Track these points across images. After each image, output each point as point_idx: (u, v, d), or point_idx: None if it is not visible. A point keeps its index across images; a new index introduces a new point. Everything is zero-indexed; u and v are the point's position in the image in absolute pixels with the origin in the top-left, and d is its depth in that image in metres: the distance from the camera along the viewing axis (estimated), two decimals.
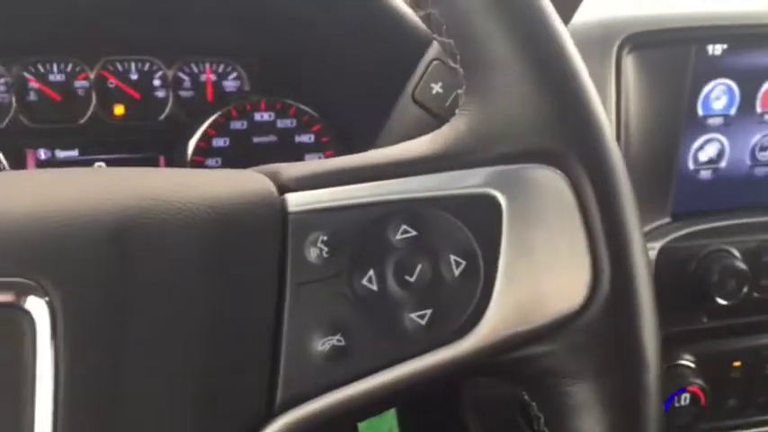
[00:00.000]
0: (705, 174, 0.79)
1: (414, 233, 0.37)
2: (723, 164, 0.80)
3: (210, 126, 0.86)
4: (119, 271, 0.32)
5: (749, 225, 0.79)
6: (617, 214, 0.38)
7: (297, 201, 0.36)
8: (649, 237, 0.77)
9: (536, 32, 0.38)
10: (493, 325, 0.36)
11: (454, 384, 0.79)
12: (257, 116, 0.88)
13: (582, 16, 0.77)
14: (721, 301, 0.76)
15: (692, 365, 0.78)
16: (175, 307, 0.33)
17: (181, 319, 0.33)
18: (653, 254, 0.76)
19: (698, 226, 0.78)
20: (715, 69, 0.77)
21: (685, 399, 0.77)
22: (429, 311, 0.36)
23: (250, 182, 0.37)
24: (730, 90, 0.78)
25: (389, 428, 0.76)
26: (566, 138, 0.38)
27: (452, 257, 0.37)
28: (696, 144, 0.78)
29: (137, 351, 0.32)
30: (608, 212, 0.38)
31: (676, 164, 0.78)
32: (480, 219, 0.37)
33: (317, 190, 0.37)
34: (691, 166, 0.79)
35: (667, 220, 0.78)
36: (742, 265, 0.76)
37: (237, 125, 0.87)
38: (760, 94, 0.78)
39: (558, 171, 0.37)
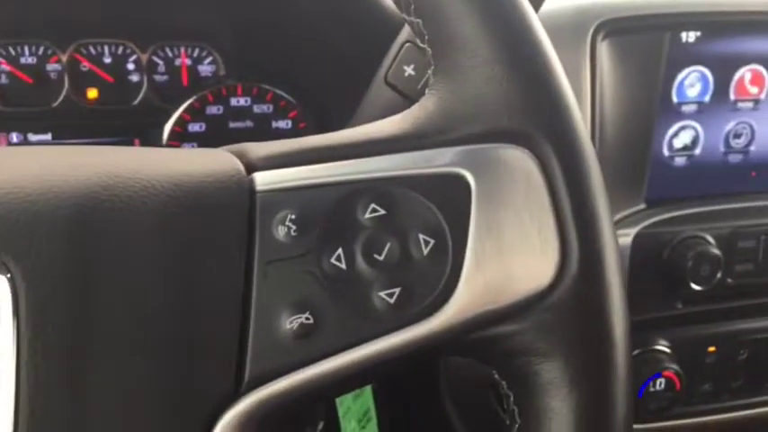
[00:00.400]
0: (679, 160, 0.80)
1: (382, 212, 0.36)
2: (697, 151, 0.80)
3: (186, 111, 0.85)
4: (82, 248, 0.32)
5: (723, 211, 0.79)
6: (585, 195, 0.38)
7: (265, 179, 0.36)
8: (624, 223, 0.77)
9: (504, 13, 0.38)
10: (461, 304, 0.36)
11: (430, 364, 0.79)
12: (233, 101, 0.87)
13: (556, 2, 0.78)
14: (696, 287, 0.76)
15: (668, 350, 0.79)
16: (140, 285, 0.33)
17: (146, 297, 0.33)
18: (628, 240, 0.76)
19: (672, 212, 0.78)
20: (689, 56, 0.77)
21: (660, 383, 0.78)
22: (398, 290, 0.36)
23: (217, 160, 0.37)
24: (704, 77, 0.78)
25: (366, 409, 0.76)
26: (534, 118, 0.38)
27: (421, 236, 0.36)
28: (671, 131, 0.78)
29: (100, 328, 0.32)
30: (576, 193, 0.38)
31: (651, 150, 0.78)
32: (449, 198, 0.37)
33: (285, 169, 0.37)
34: (665, 152, 0.79)
35: (642, 206, 0.79)
36: (716, 252, 0.76)
37: (213, 110, 0.87)
38: (733, 82, 0.79)
39: (527, 151, 0.37)
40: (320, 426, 0.74)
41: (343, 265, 0.36)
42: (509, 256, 0.37)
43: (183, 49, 0.86)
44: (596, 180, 0.39)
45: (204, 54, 0.87)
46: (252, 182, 0.36)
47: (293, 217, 0.35)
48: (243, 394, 0.34)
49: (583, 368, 0.37)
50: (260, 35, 0.86)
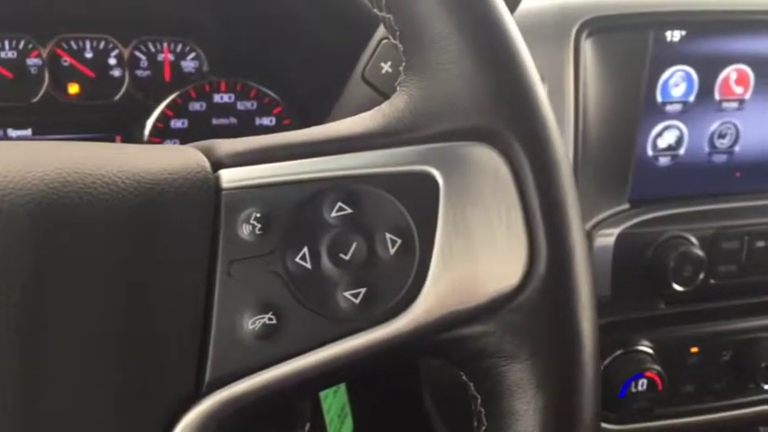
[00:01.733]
0: (664, 161, 0.79)
1: (349, 210, 0.36)
2: (682, 151, 0.80)
3: (168, 107, 0.84)
4: (38, 245, 0.31)
5: (707, 212, 0.79)
6: (555, 194, 0.37)
7: (230, 177, 0.36)
8: (607, 223, 0.77)
9: (474, 9, 0.38)
10: (428, 304, 0.36)
11: (409, 362, 0.79)
12: (217, 98, 0.86)
13: (539, 0, 0.77)
14: (678, 288, 0.76)
15: (650, 351, 0.79)
16: (97, 283, 0.32)
17: (103, 295, 0.32)
18: (611, 240, 0.76)
19: (656, 213, 0.78)
20: (674, 56, 0.76)
21: (642, 384, 0.77)
22: (363, 290, 0.35)
23: (183, 157, 0.36)
24: (689, 77, 0.78)
25: (342, 405, 0.76)
26: (503, 116, 0.37)
27: (388, 235, 0.36)
28: (655, 131, 0.78)
29: (58, 327, 0.31)
30: (545, 192, 0.37)
31: (635, 150, 0.78)
32: (417, 196, 0.36)
33: (252, 166, 0.36)
34: (649, 152, 0.79)
35: (626, 206, 0.78)
36: (699, 252, 0.76)
37: (196, 106, 0.86)
38: (718, 82, 0.79)
39: (496, 149, 0.37)
40: (307, 427, 0.74)
41: (309, 265, 0.35)
42: (477, 256, 0.36)
43: (165, 45, 0.85)
44: (566, 179, 0.38)
45: (187, 49, 0.86)
46: (217, 179, 0.35)
47: (258, 215, 0.35)
48: (203, 395, 0.33)
49: (549, 370, 0.36)
50: (244, 31, 0.85)
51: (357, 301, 0.35)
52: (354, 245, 0.36)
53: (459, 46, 0.37)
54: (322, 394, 0.72)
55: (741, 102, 0.80)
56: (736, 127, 0.81)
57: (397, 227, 0.36)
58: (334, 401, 0.74)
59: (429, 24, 0.38)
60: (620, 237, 0.76)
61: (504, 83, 0.37)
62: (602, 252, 0.76)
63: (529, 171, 0.37)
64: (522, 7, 0.78)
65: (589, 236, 0.76)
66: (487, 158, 0.37)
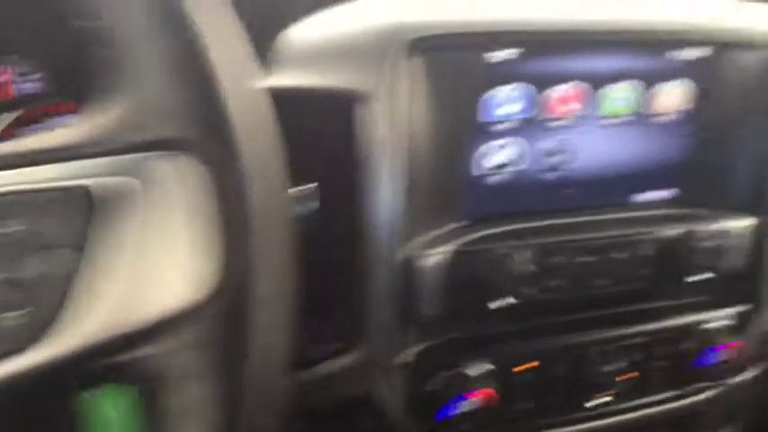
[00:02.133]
0: (496, 179, 0.80)
1: (22, 227, 0.35)
2: (514, 168, 0.81)
3: (6, 129, 0.83)
4: None
5: (538, 228, 0.80)
6: (249, 206, 0.37)
7: None
8: (440, 241, 0.77)
9: (174, 19, 0.38)
10: (95, 325, 0.35)
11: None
12: (59, 120, 0.85)
13: (366, 19, 0.78)
14: (510, 303, 0.77)
15: (484, 368, 0.79)
16: None
17: None
18: (442, 258, 0.76)
19: (487, 230, 0.78)
20: (502, 75, 0.77)
21: (475, 402, 0.77)
22: (23, 311, 0.35)
23: None
24: (522, 95, 0.79)
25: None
26: (198, 127, 0.37)
27: (62, 251, 0.35)
28: (484, 149, 0.79)
29: None
30: (240, 204, 0.37)
31: (466, 169, 0.79)
32: (105, 210, 0.36)
33: None
34: (481, 171, 0.79)
35: (457, 224, 0.79)
36: (530, 267, 0.77)
37: (38, 128, 0.85)
38: (547, 101, 0.80)
39: (194, 160, 0.37)
40: None
41: None
42: (160, 273, 0.36)
43: (7, 66, 0.84)
44: (266, 190, 0.38)
45: (27, 70, 0.85)
46: None
47: None
48: None
49: (230, 386, 0.36)
50: (84, 52, 0.85)
51: (18, 322, 0.34)
52: (20, 263, 0.35)
53: (157, 55, 0.37)
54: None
55: (574, 119, 0.82)
56: (570, 144, 0.82)
57: (74, 243, 0.36)
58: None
59: (130, 33, 0.38)
60: (453, 254, 0.76)
61: (201, 94, 0.38)
62: (435, 270, 0.76)
63: (225, 183, 0.37)
64: (351, 26, 0.79)
65: (421, 254, 0.76)
66: (180, 170, 0.37)
